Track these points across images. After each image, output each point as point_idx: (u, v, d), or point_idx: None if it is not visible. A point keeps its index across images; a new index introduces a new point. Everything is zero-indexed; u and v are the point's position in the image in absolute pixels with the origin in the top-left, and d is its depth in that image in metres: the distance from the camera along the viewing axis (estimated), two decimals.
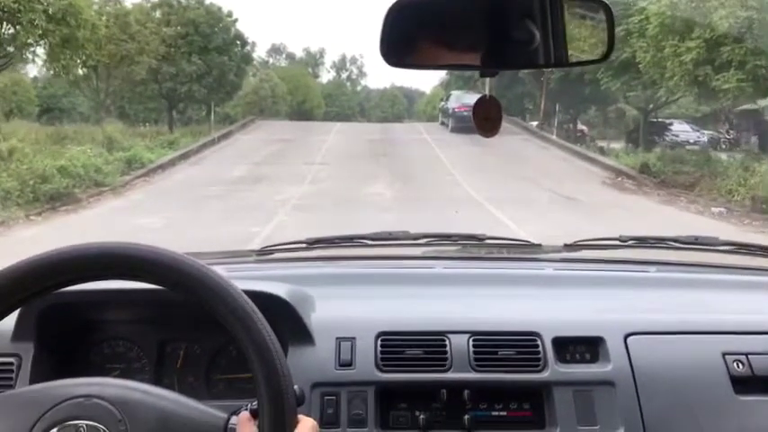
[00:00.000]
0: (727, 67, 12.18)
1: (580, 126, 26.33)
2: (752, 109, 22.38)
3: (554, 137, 20.52)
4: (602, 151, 19.46)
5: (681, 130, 23.18)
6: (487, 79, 1.06)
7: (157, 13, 22.77)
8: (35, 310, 1.25)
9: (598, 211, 10.75)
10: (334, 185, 12.94)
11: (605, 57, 1.03)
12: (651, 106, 19.61)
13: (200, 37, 22.53)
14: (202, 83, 22.65)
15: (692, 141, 21.97)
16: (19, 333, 1.27)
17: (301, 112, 40.82)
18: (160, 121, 25.48)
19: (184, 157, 16.66)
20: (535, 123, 25.52)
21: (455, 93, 24.76)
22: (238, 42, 23.84)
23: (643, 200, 12.62)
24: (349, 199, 11.47)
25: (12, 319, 1.21)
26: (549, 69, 22.51)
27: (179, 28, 22.43)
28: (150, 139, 17.62)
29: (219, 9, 23.55)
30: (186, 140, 19.16)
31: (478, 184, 12.58)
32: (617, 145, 21.96)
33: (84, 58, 16.80)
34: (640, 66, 14.81)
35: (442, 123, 24.42)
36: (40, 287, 0.89)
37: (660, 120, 23.66)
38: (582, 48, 1.04)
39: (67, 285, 0.91)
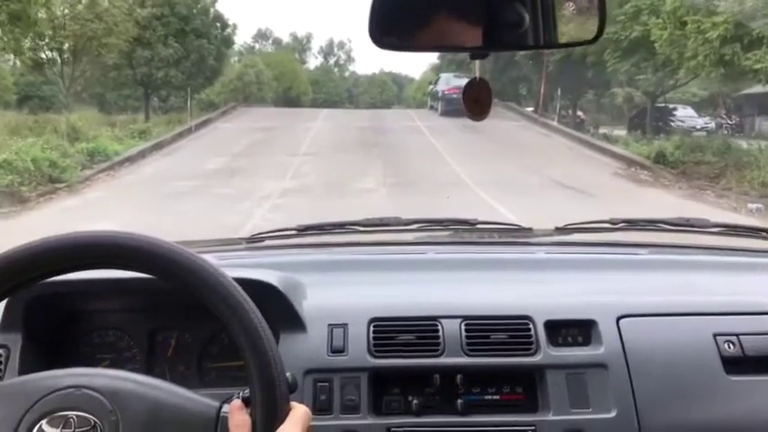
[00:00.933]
0: (758, 44, 10.78)
1: (578, 112, 24.97)
2: (757, 93, 21.06)
3: (555, 123, 19.09)
4: (606, 138, 18.09)
5: (686, 115, 21.80)
6: (477, 62, 1.01)
7: None
8: (22, 300, 1.23)
9: (615, 208, 9.35)
10: (320, 180, 11.45)
11: (596, 38, 1.00)
12: (660, 90, 18.17)
13: (176, 18, 20.82)
14: (180, 68, 20.97)
15: (698, 127, 20.60)
16: (6, 324, 1.25)
17: (288, 99, 39.29)
18: (141, 109, 23.89)
19: (157, 147, 15.07)
20: (530, 109, 24.13)
21: (444, 75, 23.84)
22: (218, 25, 22.17)
23: (663, 194, 11.23)
24: (336, 197, 10.01)
25: None
26: (550, 51, 21.19)
27: (154, 9, 20.76)
28: (121, 129, 16.01)
29: None
30: (161, 129, 17.59)
31: (480, 178, 11.15)
32: (619, 131, 20.56)
33: (45, 39, 15.25)
34: (656, 44, 13.37)
35: (431, 107, 23.56)
36: (26, 277, 0.86)
37: (663, 105, 22.33)
38: (572, 29, 1.01)
39: (55, 275, 0.88)
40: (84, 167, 12.03)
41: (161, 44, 20.53)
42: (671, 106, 22.41)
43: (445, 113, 20.53)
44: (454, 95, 20.50)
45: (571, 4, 1.04)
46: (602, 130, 20.48)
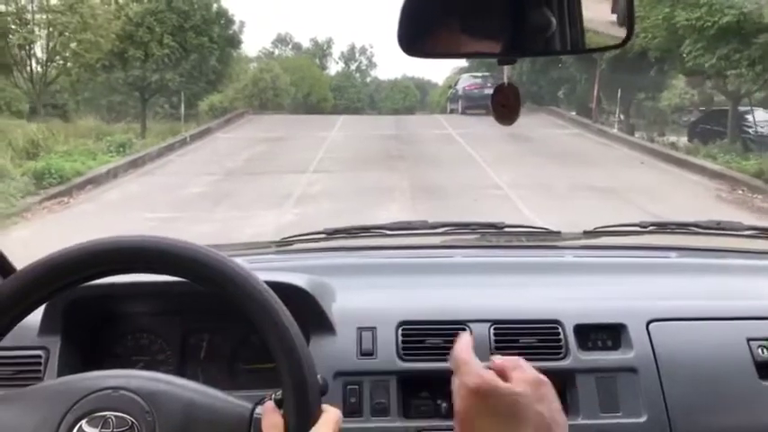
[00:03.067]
0: None
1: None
2: None
3: (615, 130, 15.78)
4: (673, 148, 14.83)
5: (764, 120, 18.28)
6: (506, 67, 0.96)
7: None
8: (61, 303, 1.24)
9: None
10: (330, 210, 8.36)
11: (624, 42, 0.94)
12: (752, 89, 14.79)
13: (173, 14, 17.92)
14: (177, 69, 18.12)
15: None
16: (46, 326, 1.26)
17: (307, 105, 36.44)
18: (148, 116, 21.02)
19: (135, 164, 12.08)
20: (573, 113, 20.92)
21: (463, 76, 22.99)
22: (222, 22, 19.23)
23: None
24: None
25: (38, 313, 1.20)
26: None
27: (148, 3, 17.90)
28: (96, 141, 13.07)
29: None
30: (150, 141, 14.66)
31: (545, 205, 8.01)
32: (674, 138, 17.20)
33: (9, 35, 12.39)
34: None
35: (451, 111, 22.31)
36: (66, 281, 0.87)
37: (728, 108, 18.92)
38: (601, 33, 0.96)
39: (93, 279, 0.88)
40: (27, 194, 9.12)
41: (156, 43, 17.67)
42: (741, 109, 18.99)
43: (466, 110, 19.70)
44: (474, 91, 20.44)
45: (599, 7, 0.95)
46: (664, 138, 17.14)
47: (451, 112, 22.59)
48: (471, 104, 20.19)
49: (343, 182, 10.41)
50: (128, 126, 19.05)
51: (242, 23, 20.07)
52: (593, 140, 15.17)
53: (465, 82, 21.79)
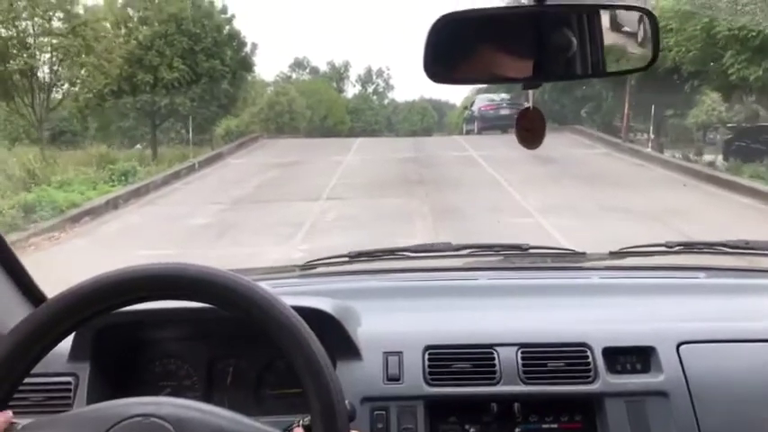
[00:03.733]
0: None
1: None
2: None
3: (648, 150, 14.73)
4: (712, 167, 13.76)
5: None
6: (530, 91, 1.00)
7: (131, 11, 17.69)
8: (90, 330, 1.24)
9: None
10: (344, 243, 7.48)
11: (650, 64, 0.97)
12: None
13: (183, 36, 17.26)
14: (188, 94, 17.44)
15: None
16: (75, 353, 1.26)
17: (324, 129, 35.82)
18: (162, 141, 20.38)
19: (138, 193, 11.30)
20: (598, 132, 19.87)
21: (479, 96, 22.90)
22: (234, 44, 18.56)
23: None
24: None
25: (68, 340, 1.19)
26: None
27: (158, 26, 17.29)
28: (98, 169, 12.32)
29: (212, 4, 18.35)
30: (157, 168, 13.92)
31: (582, 236, 7.02)
32: (710, 157, 16.07)
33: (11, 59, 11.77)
34: None
35: (468, 132, 22.33)
36: (96, 310, 0.88)
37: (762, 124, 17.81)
38: (626, 56, 0.97)
39: (124, 306, 0.90)
40: (13, 229, 8.31)
41: (165, 67, 17.01)
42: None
43: (481, 130, 19.77)
44: (490, 112, 20.58)
45: (625, 30, 0.95)
46: (699, 157, 16.04)
47: (468, 132, 22.50)
48: (487, 125, 20.14)
49: (359, 209, 9.50)
50: (140, 153, 18.45)
51: (254, 46, 19.42)
52: (624, 160, 14.12)
53: (480, 103, 21.81)
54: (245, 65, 18.88)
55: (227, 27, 18.51)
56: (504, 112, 19.89)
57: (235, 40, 18.36)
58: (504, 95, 21.47)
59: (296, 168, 14.05)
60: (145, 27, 17.20)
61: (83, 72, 13.30)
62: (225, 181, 12.93)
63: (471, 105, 23.60)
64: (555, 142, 17.24)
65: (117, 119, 17.92)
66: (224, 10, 18.61)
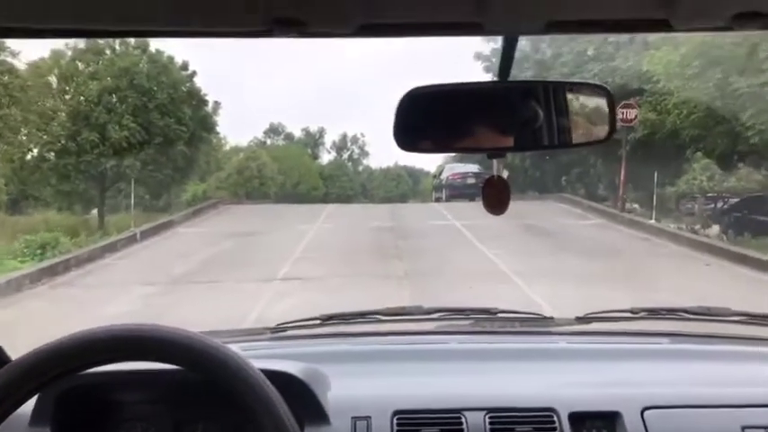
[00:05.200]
0: None
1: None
2: None
3: (651, 221, 12.99)
4: (722, 239, 12.11)
5: None
6: (495, 161, 1.04)
7: (80, 65, 15.92)
8: (53, 393, 1.18)
9: None
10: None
11: (608, 137, 1.02)
12: None
13: (135, 92, 15.51)
14: (139, 155, 15.52)
15: None
16: (37, 417, 1.21)
17: (297, 195, 34.06)
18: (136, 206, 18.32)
19: (53, 271, 9.11)
20: (588, 201, 18.33)
21: (447, 165, 23.51)
22: (193, 102, 16.78)
23: None
24: None
25: (29, 403, 1.13)
26: (630, 125, 15.77)
27: (109, 80, 15.50)
28: (9, 239, 10.17)
29: (171, 59, 16.65)
30: (91, 239, 11.81)
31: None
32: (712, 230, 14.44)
33: None
34: None
35: (437, 199, 22.64)
36: (60, 371, 0.85)
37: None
38: (585, 129, 1.04)
39: (89, 368, 0.88)
40: None
41: (114, 125, 15.13)
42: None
43: (450, 198, 20.18)
44: (457, 181, 21.04)
45: (583, 104, 1.02)
46: (701, 228, 14.38)
47: (437, 200, 22.77)
48: (455, 193, 20.48)
49: (321, 295, 7.44)
50: (85, 220, 16.32)
51: (217, 105, 17.64)
52: (626, 233, 12.36)
53: (448, 172, 22.29)
54: (206, 125, 17.06)
55: (188, 85, 16.78)
56: (471, 181, 20.22)
57: (194, 97, 16.57)
58: (470, 166, 21.88)
59: (254, 239, 12.02)
60: (95, 82, 15.38)
61: (22, 130, 11.27)
62: (168, 254, 10.84)
63: (440, 174, 24.00)
64: (543, 211, 15.51)
65: (58, 181, 15.81)
66: (185, 66, 16.95)
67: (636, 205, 18.94)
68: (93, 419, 1.27)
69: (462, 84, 0.99)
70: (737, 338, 1.67)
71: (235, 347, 0.89)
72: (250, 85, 55.20)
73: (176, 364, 0.86)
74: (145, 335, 0.85)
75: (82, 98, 15.20)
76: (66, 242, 10.49)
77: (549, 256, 9.47)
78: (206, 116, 16.97)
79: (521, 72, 17.35)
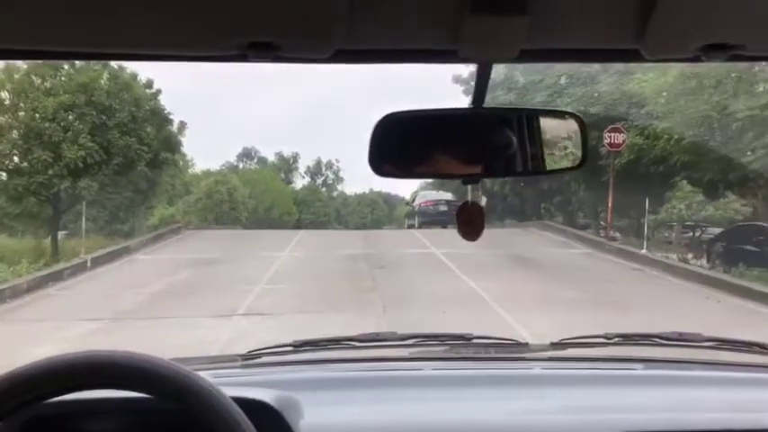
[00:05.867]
0: None
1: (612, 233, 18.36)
2: None
3: (643, 251, 12.21)
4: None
5: None
6: (469, 186, 1.02)
7: (36, 79, 14.79)
8: (18, 422, 1.12)
9: None
10: None
11: (581, 164, 1.03)
12: None
13: (94, 110, 14.38)
14: (96, 176, 14.35)
15: None
16: None
17: (270, 220, 32.91)
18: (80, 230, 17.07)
19: None
20: (570, 229, 17.62)
21: (421, 192, 23.64)
22: (156, 121, 15.69)
23: None
24: None
25: None
26: (618, 150, 15.05)
27: (65, 95, 14.38)
28: None
29: (134, 76, 15.58)
30: (22, 267, 10.58)
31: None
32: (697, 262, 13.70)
33: None
34: None
35: (409, 226, 22.83)
36: (27, 398, 0.83)
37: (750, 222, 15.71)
38: (559, 156, 1.04)
39: (55, 396, 0.85)
40: None
41: (69, 143, 13.98)
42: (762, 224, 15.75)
43: (422, 225, 20.31)
44: (430, 208, 21.24)
45: (556, 132, 1.03)
46: (698, 261, 13.63)
47: (409, 226, 22.96)
48: (427, 220, 20.54)
49: (285, 334, 6.44)
50: (37, 244, 15.05)
51: (183, 125, 16.54)
52: (617, 264, 11.56)
53: (421, 199, 22.40)
54: (169, 145, 15.95)
55: (153, 103, 15.71)
56: (443, 208, 20.34)
57: (158, 116, 15.50)
58: (443, 193, 21.95)
59: (215, 268, 10.94)
60: (50, 98, 14.25)
61: None
62: (118, 285, 9.71)
63: (413, 201, 24.18)
64: (527, 240, 14.70)
65: (8, 203, 14.56)
66: (149, 84, 15.90)
67: (617, 233, 18.28)
68: None
69: (437, 110, 0.99)
70: (710, 364, 1.68)
71: (205, 375, 0.87)
72: (224, 109, 54.17)
73: (145, 392, 0.83)
74: (111, 361, 0.81)
75: (37, 115, 14.02)
76: (4, 270, 9.30)
77: (542, 291, 8.57)
78: (170, 136, 15.85)
79: (501, 94, 16.70)
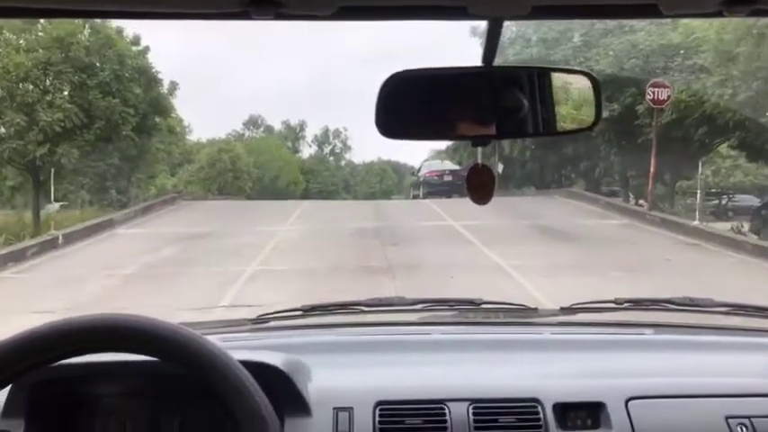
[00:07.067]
0: None
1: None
2: None
3: (695, 223, 10.61)
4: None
5: None
6: (479, 149, 1.01)
7: (9, 35, 13.20)
8: (26, 385, 1.13)
9: None
10: None
11: (593, 125, 0.99)
12: None
13: (71, 68, 12.84)
14: (75, 140, 12.86)
15: None
16: (9, 409, 1.15)
17: (275, 190, 31.55)
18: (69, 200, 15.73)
19: None
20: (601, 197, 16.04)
21: (425, 163, 23.51)
22: (143, 80, 14.08)
23: None
24: None
25: (2, 395, 1.11)
26: (660, 108, 13.32)
27: (39, 51, 12.82)
28: None
29: (119, 31, 13.95)
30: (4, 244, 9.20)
31: None
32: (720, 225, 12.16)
33: None
34: None
35: (414, 197, 22.22)
36: (32, 362, 0.82)
37: None
38: (571, 116, 1.01)
39: (62, 359, 0.85)
40: None
41: (44, 105, 12.48)
42: None
43: (426, 195, 19.82)
44: (434, 178, 20.76)
45: (569, 91, 0.99)
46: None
47: (414, 197, 22.45)
48: (432, 191, 20.06)
49: None
50: (18, 215, 13.67)
51: (174, 85, 14.93)
52: (666, 237, 9.97)
53: (426, 169, 22.04)
54: (159, 108, 14.38)
55: (139, 60, 14.10)
56: (448, 178, 20.08)
57: (144, 75, 13.90)
58: (448, 163, 21.79)
59: (205, 244, 9.48)
60: (23, 54, 12.70)
61: None
62: (89, 266, 8.27)
63: (418, 171, 23.78)
64: (552, 209, 13.12)
65: None
66: (136, 40, 14.26)
67: (642, 201, 16.69)
68: (68, 412, 1.21)
69: (446, 68, 0.96)
70: (721, 329, 1.64)
71: (214, 339, 0.86)
72: (230, 75, 52.40)
73: (152, 356, 0.83)
74: (119, 324, 0.81)
75: (8, 73, 12.48)
76: None
77: (586, 272, 7.05)
78: (159, 97, 14.28)
79: (521, 48, 15.01)
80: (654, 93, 11.45)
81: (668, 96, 11.50)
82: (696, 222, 10.39)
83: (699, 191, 12.65)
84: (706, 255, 8.60)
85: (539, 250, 8.29)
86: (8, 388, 1.00)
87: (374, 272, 7.40)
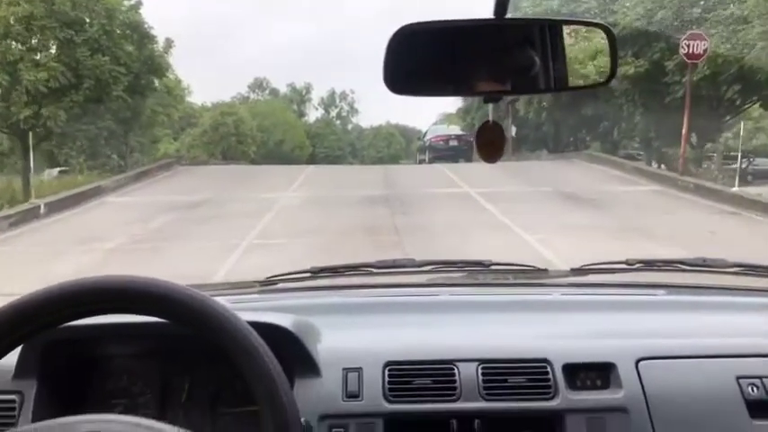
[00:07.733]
0: None
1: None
2: None
3: (735, 189, 9.68)
4: None
5: None
6: (490, 105, 0.96)
7: None
8: (37, 346, 1.14)
9: None
10: None
11: (609, 80, 0.96)
12: None
13: (57, 22, 11.87)
14: (62, 102, 11.97)
15: None
16: (21, 370, 1.16)
17: (281, 154, 30.73)
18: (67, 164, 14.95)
19: None
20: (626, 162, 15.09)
21: (431, 127, 23.45)
22: (135, 37, 13.10)
23: None
24: None
25: (14, 356, 1.10)
26: (693, 63, 12.20)
27: (21, 5, 11.85)
28: None
29: None
30: None
31: None
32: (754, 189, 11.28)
33: None
34: None
35: (420, 161, 22.33)
36: (42, 322, 0.82)
37: None
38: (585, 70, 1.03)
39: (72, 320, 0.84)
40: None
41: (29, 64, 11.57)
42: None
43: (432, 160, 19.81)
44: (440, 143, 20.78)
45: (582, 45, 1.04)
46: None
47: (420, 162, 22.55)
48: (438, 155, 20.08)
49: None
50: (8, 181, 12.88)
51: (169, 42, 13.92)
52: (703, 205, 9.06)
53: (432, 134, 22.09)
54: (153, 67, 13.41)
55: (129, 15, 13.09)
56: (453, 143, 20.09)
57: (135, 31, 12.91)
58: (453, 128, 21.71)
59: (199, 213, 8.66)
60: (3, 8, 11.73)
61: None
62: (69, 239, 7.48)
63: (424, 136, 23.74)
64: (574, 174, 12.19)
65: None
66: None
67: (663, 165, 15.71)
68: (79, 373, 1.23)
69: (456, 21, 0.91)
70: (733, 289, 1.62)
71: (223, 300, 0.84)
72: (236, 36, 51.02)
73: (162, 317, 0.82)
74: (128, 286, 0.80)
75: None
76: None
77: (624, 250, 6.19)
78: (153, 56, 13.30)
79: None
80: (689, 46, 10.39)
81: (705, 50, 10.45)
82: (735, 189, 9.45)
83: (719, 154, 11.75)
84: (753, 225, 7.71)
85: (567, 222, 7.42)
86: (19, 349, 0.99)
87: (382, 245, 6.57)
